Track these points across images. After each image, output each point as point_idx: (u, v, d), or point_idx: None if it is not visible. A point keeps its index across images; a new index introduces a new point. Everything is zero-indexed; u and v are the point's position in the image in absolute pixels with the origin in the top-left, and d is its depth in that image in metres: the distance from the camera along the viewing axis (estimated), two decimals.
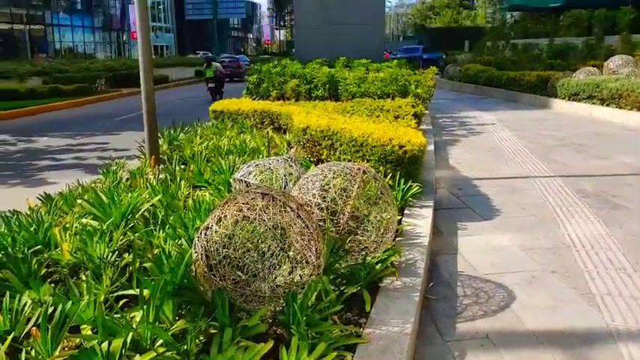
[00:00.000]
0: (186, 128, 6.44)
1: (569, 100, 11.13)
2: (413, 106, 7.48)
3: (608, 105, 9.98)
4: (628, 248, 3.57)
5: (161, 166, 4.58)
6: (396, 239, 3.20)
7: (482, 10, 61.28)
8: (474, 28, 47.06)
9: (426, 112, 9.34)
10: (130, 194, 3.29)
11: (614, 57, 12.45)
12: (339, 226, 2.74)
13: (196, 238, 2.23)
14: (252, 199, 2.23)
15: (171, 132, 6.03)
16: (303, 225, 2.24)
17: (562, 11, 20.61)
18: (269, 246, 2.22)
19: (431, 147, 6.38)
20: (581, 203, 4.63)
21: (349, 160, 4.60)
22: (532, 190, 5.11)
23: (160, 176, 4.11)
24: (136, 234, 2.75)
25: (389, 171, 4.22)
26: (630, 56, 12.56)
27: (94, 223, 2.89)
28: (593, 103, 10.37)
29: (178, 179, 3.94)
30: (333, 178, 2.87)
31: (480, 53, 21.70)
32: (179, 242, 2.59)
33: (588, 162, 6.33)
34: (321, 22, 12.59)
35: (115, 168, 4.35)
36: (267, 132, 6.16)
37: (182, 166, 4.58)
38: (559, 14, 20.70)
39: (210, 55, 24.64)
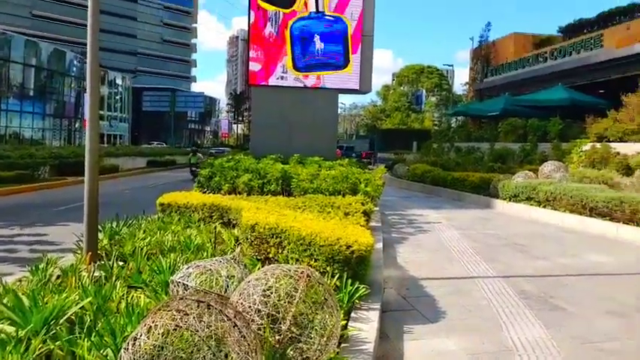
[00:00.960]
0: (130, 221, 6.24)
1: (509, 201, 11.71)
2: (363, 204, 7.63)
3: (544, 207, 10.55)
4: (567, 352, 3.59)
5: (98, 262, 4.34)
6: (341, 345, 3.08)
7: (429, 113, 65.74)
8: (421, 130, 50.12)
9: (376, 209, 9.54)
10: (57, 295, 3.06)
11: (547, 162, 13.38)
12: (281, 334, 2.62)
13: (123, 350, 2.06)
14: (186, 306, 2.12)
15: (114, 225, 5.81)
16: (240, 335, 2.12)
17: (500, 119, 22.34)
18: (204, 357, 2.08)
19: (379, 245, 6.42)
20: (523, 305, 4.69)
21: (297, 260, 4.53)
22: (477, 291, 5.15)
23: (95, 274, 3.88)
24: (57, 342, 2.52)
25: (336, 271, 4.17)
26: (561, 162, 13.55)
27: (10, 330, 2.63)
28: (531, 205, 10.94)
29: (114, 278, 3.73)
30: (276, 281, 2.79)
31: (426, 154, 22.89)
32: (104, 353, 2.38)
33: (529, 262, 6.53)
34: (277, 120, 13.03)
35: (44, 265, 4.08)
36: (215, 227, 6.06)
37: (121, 264, 4.36)
38: (498, 121, 22.41)
39: (195, 146, 25.26)
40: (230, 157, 11.15)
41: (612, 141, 13.86)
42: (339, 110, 71.47)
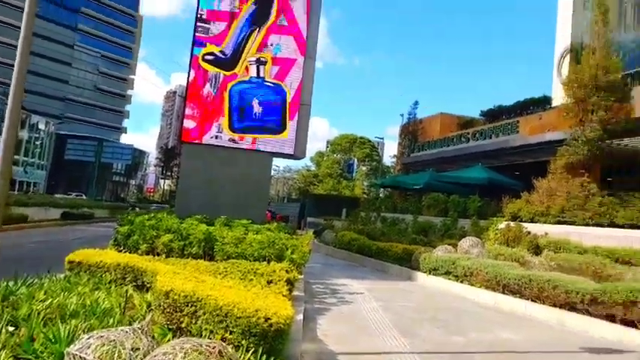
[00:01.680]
0: (31, 280, 5.73)
1: (429, 274, 12.03)
2: (287, 272, 7.52)
3: (462, 281, 10.92)
4: None
5: None
6: None
7: (360, 182, 67.63)
8: (351, 197, 51.18)
9: (300, 277, 9.41)
10: None
11: (466, 238, 14.00)
12: None
13: None
14: None
15: (10, 284, 5.29)
16: None
17: (424, 193, 23.40)
18: None
19: (300, 316, 6.29)
20: None
21: (211, 332, 4.32)
22: None
23: None
24: None
25: (252, 345, 4.01)
26: (479, 238, 14.23)
27: None
28: (450, 279, 11.29)
29: (0, 346, 3.35)
30: (185, 357, 2.63)
31: (354, 222, 23.29)
32: None
33: (445, 338, 6.64)
34: (206, 178, 12.83)
35: None
36: (127, 290, 5.70)
37: (11, 329, 3.94)
38: (422, 195, 23.45)
39: (136, 201, 24.19)
40: (152, 214, 10.71)
41: (524, 221, 14.83)
42: (273, 172, 72.10)
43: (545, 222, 14.32)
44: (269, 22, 13.43)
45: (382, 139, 69.73)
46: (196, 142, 13.00)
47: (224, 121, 13.03)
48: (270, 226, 11.83)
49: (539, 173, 16.49)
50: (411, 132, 32.74)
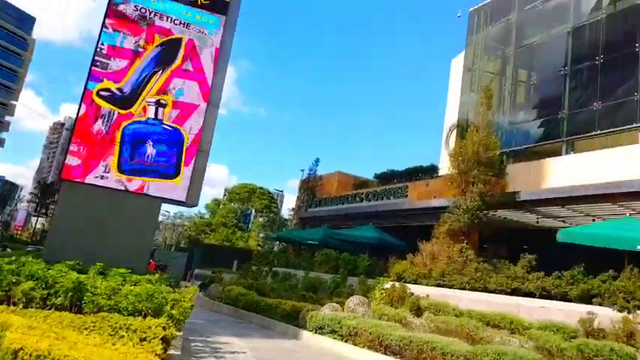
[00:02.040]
0: None
1: (316, 332, 11.89)
2: (164, 328, 7.00)
3: (346, 341, 10.90)
4: None
5: None
6: None
7: (255, 233, 66.69)
8: (245, 249, 50.18)
9: (179, 334, 8.81)
10: None
11: (353, 297, 14.18)
12: None
13: None
14: None
15: None
16: None
17: (318, 249, 23.59)
18: None
19: None
20: None
21: None
22: None
23: None
24: None
25: None
26: (365, 297, 14.49)
27: None
28: (335, 338, 11.23)
29: None
30: None
31: (245, 275, 22.68)
32: None
33: None
34: (84, 221, 11.79)
35: None
36: None
37: None
38: (315, 251, 23.62)
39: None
40: (13, 257, 9.51)
41: (409, 282, 15.43)
42: (162, 217, 68.67)
43: (427, 284, 15.01)
44: (174, 66, 13.17)
45: (282, 191, 70.42)
46: (78, 180, 12.01)
47: (112, 160, 12.24)
48: (151, 277, 11.06)
49: (425, 236, 17.45)
50: (310, 187, 33.33)
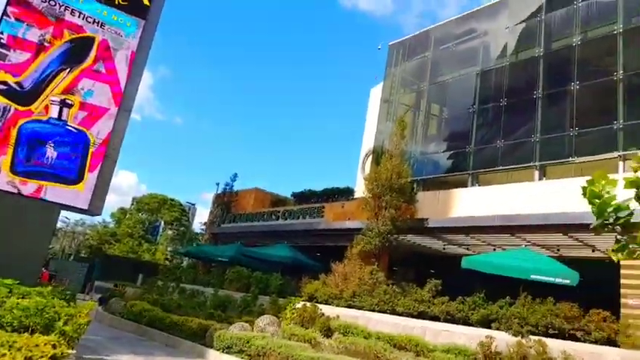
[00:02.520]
0: None
1: (223, 352, 11.46)
2: (54, 346, 6.41)
3: None
4: None
5: None
6: None
7: (163, 246, 63.76)
8: (151, 262, 47.87)
9: (71, 352, 8.03)
10: None
11: (263, 316, 13.91)
12: None
13: None
14: None
15: None
16: None
17: (230, 266, 22.97)
18: None
19: None
20: None
21: None
22: None
23: None
24: None
25: None
26: (276, 317, 14.26)
27: None
28: (243, 358, 10.89)
29: None
30: None
31: (150, 290, 21.52)
32: None
33: None
34: None
35: None
36: None
37: None
38: (226, 268, 22.97)
39: None
40: None
41: (320, 302, 15.43)
42: (61, 224, 63.61)
43: (338, 305, 15.10)
44: (84, 65, 12.23)
45: (194, 204, 68.23)
46: None
47: (5, 160, 11.06)
48: (43, 289, 10.08)
49: (338, 257, 17.63)
50: (225, 202, 32.55)
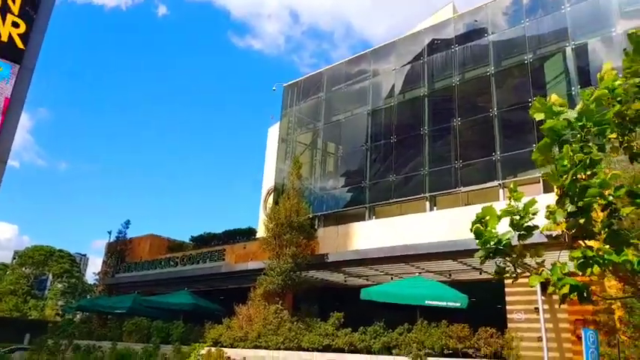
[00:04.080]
0: None
1: None
2: None
3: None
4: None
5: None
6: None
7: (53, 301, 58.27)
8: (39, 320, 43.62)
9: None
10: None
11: None
12: None
13: None
14: None
15: None
16: None
17: (127, 317, 21.77)
18: None
19: None
20: None
21: None
22: None
23: None
24: None
25: None
26: None
27: None
28: None
29: None
30: None
31: (39, 351, 19.76)
32: None
33: None
34: None
35: None
36: None
37: None
38: (124, 320, 21.74)
39: None
40: None
41: (225, 346, 15.26)
42: None
43: (244, 347, 15.04)
44: None
45: (85, 255, 63.51)
46: None
47: None
48: None
49: (242, 299, 17.55)
50: (119, 251, 30.85)
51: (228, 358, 14.18)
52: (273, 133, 34.24)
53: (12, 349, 26.92)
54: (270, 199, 29.50)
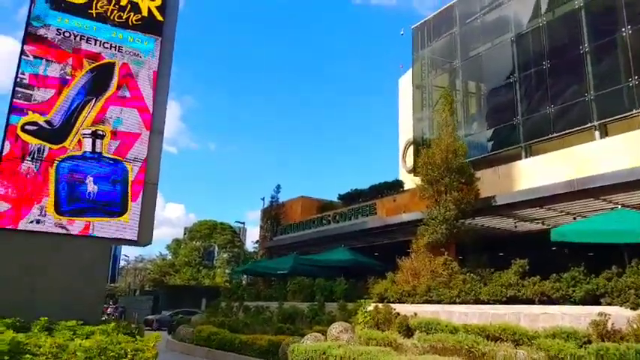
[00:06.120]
0: None
1: None
2: None
3: None
4: None
5: None
6: None
7: (221, 269, 64.30)
8: (212, 287, 48.09)
9: None
10: None
11: (335, 324, 13.05)
12: None
13: None
14: None
15: None
16: None
17: (289, 277, 22.24)
18: None
19: None
20: None
21: None
22: None
23: None
24: None
25: None
26: (348, 323, 13.37)
27: None
28: None
29: None
30: None
31: (214, 313, 21.13)
32: None
33: None
34: (21, 272, 10.16)
35: None
36: None
37: None
38: (287, 280, 22.26)
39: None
40: None
41: (392, 302, 14.39)
42: (122, 263, 65.28)
43: (413, 302, 14.03)
44: (108, 93, 11.71)
45: (244, 224, 68.45)
46: (10, 227, 10.37)
47: (49, 202, 10.66)
48: (106, 326, 9.59)
49: (399, 253, 16.50)
50: (274, 216, 32.04)
51: (398, 313, 13.23)
52: (405, 83, 32.35)
53: (186, 311, 29.77)
54: (410, 151, 27.96)
